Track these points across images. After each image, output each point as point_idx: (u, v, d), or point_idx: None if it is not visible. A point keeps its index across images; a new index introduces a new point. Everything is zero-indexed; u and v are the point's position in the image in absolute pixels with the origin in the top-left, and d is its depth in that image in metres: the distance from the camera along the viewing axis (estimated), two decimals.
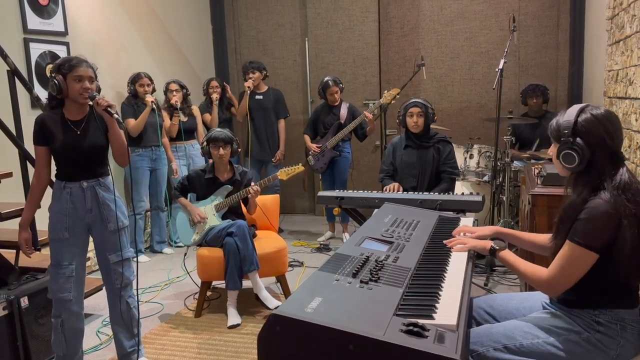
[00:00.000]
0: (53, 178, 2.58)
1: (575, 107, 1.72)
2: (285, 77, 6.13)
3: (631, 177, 1.65)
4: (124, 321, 2.64)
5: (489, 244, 1.92)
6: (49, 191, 2.58)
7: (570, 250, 1.63)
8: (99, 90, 2.54)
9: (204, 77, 5.80)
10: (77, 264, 2.53)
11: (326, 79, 4.88)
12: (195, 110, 5.05)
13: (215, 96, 5.11)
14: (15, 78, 3.07)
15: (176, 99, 4.71)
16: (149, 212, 4.83)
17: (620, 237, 1.58)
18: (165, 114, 4.75)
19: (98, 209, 2.53)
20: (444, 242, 2.06)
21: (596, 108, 1.70)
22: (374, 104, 4.78)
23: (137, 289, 2.64)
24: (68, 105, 2.49)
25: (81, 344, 2.64)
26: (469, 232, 2.15)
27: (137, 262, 2.71)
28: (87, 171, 2.52)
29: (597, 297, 1.67)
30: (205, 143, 3.58)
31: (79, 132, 2.47)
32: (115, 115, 2.41)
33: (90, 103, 2.45)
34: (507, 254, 1.85)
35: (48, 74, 2.64)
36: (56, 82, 2.39)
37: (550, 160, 1.85)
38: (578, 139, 1.65)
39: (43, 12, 3.95)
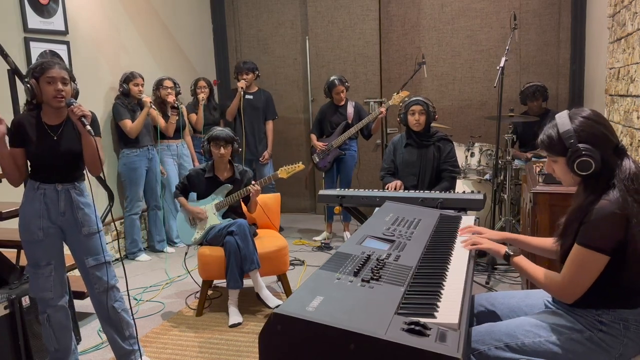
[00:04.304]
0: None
1: (563, 116, 1.70)
2: (285, 75, 6.12)
3: (637, 166, 1.64)
4: (114, 326, 2.62)
5: (503, 248, 1.91)
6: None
7: (581, 254, 1.61)
8: (76, 92, 2.50)
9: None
10: (55, 263, 2.51)
11: (332, 78, 4.89)
12: (183, 109, 5.00)
13: (202, 96, 5.08)
14: (16, 77, 3.07)
15: (173, 97, 4.69)
16: (145, 212, 4.83)
17: (630, 237, 1.57)
18: (156, 112, 4.65)
19: (71, 212, 2.51)
20: (460, 241, 2.04)
21: (581, 110, 1.69)
22: (384, 102, 4.78)
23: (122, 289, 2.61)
24: (45, 110, 2.45)
25: (71, 340, 2.63)
26: (477, 233, 2.14)
27: (111, 261, 2.65)
28: (63, 175, 2.49)
29: (600, 297, 1.65)
30: (206, 142, 3.58)
31: (55, 138, 2.44)
32: (88, 127, 2.35)
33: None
34: (521, 260, 1.83)
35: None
36: (29, 86, 2.37)
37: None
38: (584, 144, 1.63)
39: (43, 11, 3.95)
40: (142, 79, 4.52)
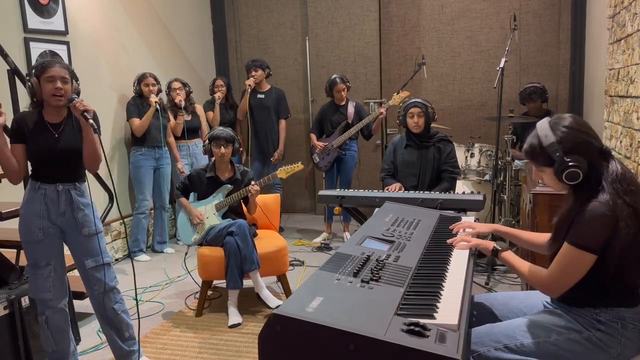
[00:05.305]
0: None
1: (544, 127, 1.71)
2: (285, 76, 6.12)
3: (623, 167, 1.67)
4: (114, 327, 2.62)
5: (491, 244, 1.93)
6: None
7: (569, 252, 1.64)
8: (78, 92, 2.50)
9: (205, 76, 5.80)
10: (55, 264, 2.51)
11: (334, 76, 4.89)
12: (199, 109, 5.06)
13: (218, 95, 5.14)
14: (16, 77, 3.07)
15: (180, 98, 4.71)
16: (152, 211, 4.83)
17: (619, 238, 1.59)
18: (170, 114, 4.75)
19: (72, 213, 2.50)
20: (448, 241, 2.06)
21: (562, 119, 1.71)
22: (384, 102, 4.78)
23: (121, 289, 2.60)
24: (46, 108, 2.47)
25: (69, 342, 2.63)
26: (468, 228, 2.15)
27: (111, 263, 2.64)
28: (64, 174, 2.49)
29: (597, 296, 1.67)
30: (207, 141, 3.58)
31: (56, 135, 2.45)
32: (91, 121, 2.35)
33: (69, 105, 2.41)
34: (509, 255, 1.86)
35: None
36: (30, 84, 2.39)
37: None
38: (569, 155, 1.65)
39: (43, 11, 3.95)
40: (155, 79, 4.55)
